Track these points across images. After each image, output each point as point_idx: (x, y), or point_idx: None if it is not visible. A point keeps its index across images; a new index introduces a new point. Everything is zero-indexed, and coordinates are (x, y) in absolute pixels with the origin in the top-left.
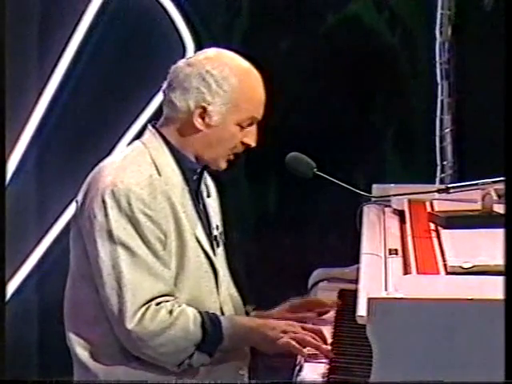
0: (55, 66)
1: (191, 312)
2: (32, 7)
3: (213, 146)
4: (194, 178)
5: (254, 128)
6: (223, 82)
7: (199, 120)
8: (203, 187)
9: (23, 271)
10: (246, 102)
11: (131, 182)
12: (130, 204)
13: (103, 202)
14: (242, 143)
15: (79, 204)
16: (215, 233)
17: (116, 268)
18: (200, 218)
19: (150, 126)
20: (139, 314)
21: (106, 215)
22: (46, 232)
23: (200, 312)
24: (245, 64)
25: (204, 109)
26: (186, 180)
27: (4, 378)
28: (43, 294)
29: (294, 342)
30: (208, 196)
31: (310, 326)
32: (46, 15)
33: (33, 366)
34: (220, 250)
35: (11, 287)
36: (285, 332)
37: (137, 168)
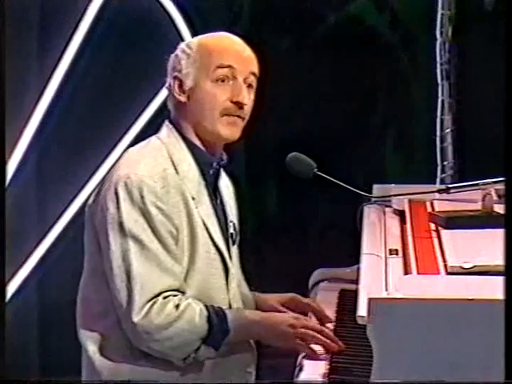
0: (55, 66)
1: (197, 305)
2: (32, 7)
3: (200, 114)
4: (211, 172)
5: (238, 84)
6: (187, 49)
7: (178, 92)
8: (222, 185)
9: (23, 272)
10: (210, 53)
11: (144, 175)
12: (142, 196)
13: (116, 193)
14: (232, 102)
15: (93, 197)
16: (231, 230)
17: (126, 260)
18: (216, 213)
19: (166, 122)
20: (146, 308)
21: (118, 207)
22: (46, 233)
23: (206, 306)
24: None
25: (178, 79)
26: (203, 175)
27: (4, 378)
28: (43, 295)
29: (303, 343)
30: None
31: (313, 323)
32: (46, 17)
33: (33, 366)
34: (234, 249)
35: (11, 288)
36: (292, 326)
37: (152, 161)
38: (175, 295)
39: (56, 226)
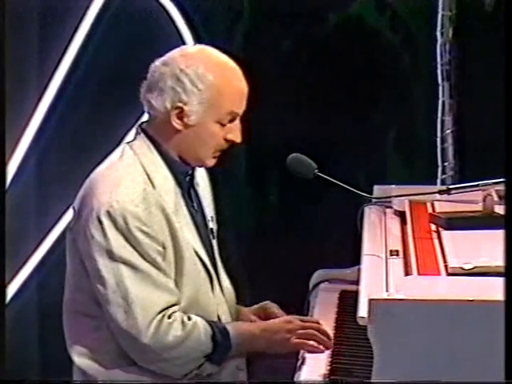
0: (56, 67)
1: (201, 324)
2: (32, 8)
3: (195, 146)
4: (187, 179)
5: (236, 123)
6: (198, 81)
7: (177, 120)
8: (197, 180)
9: (23, 273)
10: (223, 98)
11: (126, 201)
12: (126, 223)
13: (99, 222)
14: (226, 140)
15: (74, 217)
16: (210, 225)
17: (120, 285)
18: (194, 220)
19: (138, 128)
20: (152, 328)
21: (105, 235)
22: (46, 234)
23: (209, 323)
24: (221, 59)
25: (181, 109)
26: (179, 183)
27: (4, 378)
28: (43, 296)
29: (305, 341)
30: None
31: (308, 317)
32: (47, 17)
33: (33, 366)
34: (215, 242)
35: (11, 289)
36: (289, 331)
37: (129, 182)
38: (175, 311)
39: (56, 228)
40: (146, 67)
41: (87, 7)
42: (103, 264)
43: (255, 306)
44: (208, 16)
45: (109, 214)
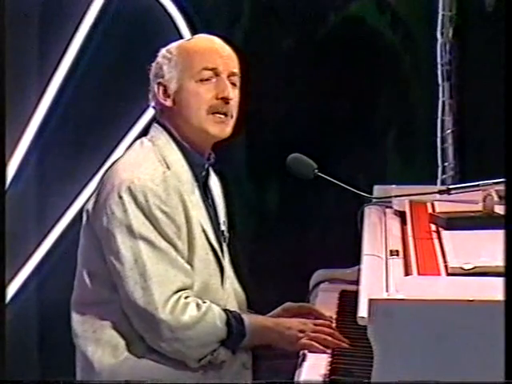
0: (56, 66)
1: (216, 309)
2: (33, 7)
3: (188, 115)
4: (203, 173)
5: (222, 80)
6: (167, 53)
7: (163, 97)
8: (211, 184)
9: (24, 273)
10: (192, 56)
11: (147, 179)
12: (147, 201)
13: (120, 197)
14: (218, 99)
15: (92, 202)
16: (222, 228)
17: (139, 262)
18: (209, 214)
19: (155, 124)
20: (169, 305)
21: (125, 210)
22: (47, 234)
23: (223, 309)
24: (202, 35)
25: (162, 84)
26: (195, 176)
27: (4, 378)
28: (43, 296)
29: (315, 343)
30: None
31: (320, 321)
32: (47, 17)
33: (33, 366)
34: (225, 246)
35: (12, 289)
36: (302, 331)
37: (150, 164)
38: (189, 294)
39: (56, 227)
40: (145, 67)
41: (87, 7)
42: (122, 241)
43: (275, 312)
44: (208, 16)
45: (130, 190)
